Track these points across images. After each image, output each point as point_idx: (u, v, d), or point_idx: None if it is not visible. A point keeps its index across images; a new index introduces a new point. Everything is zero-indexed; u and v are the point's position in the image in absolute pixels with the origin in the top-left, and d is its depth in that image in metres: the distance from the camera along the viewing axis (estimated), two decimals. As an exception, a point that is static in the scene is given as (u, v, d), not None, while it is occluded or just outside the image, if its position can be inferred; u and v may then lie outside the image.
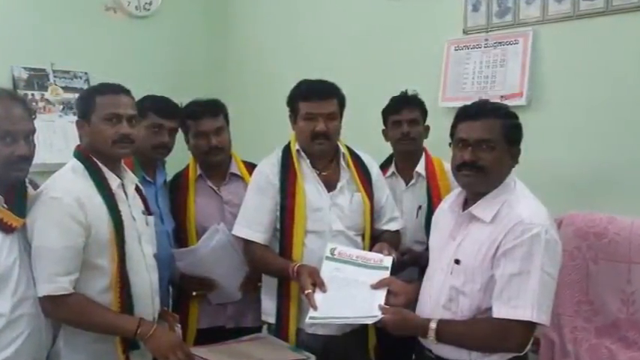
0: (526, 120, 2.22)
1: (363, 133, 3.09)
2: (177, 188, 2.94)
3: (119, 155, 2.31)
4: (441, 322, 2.09)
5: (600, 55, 2.86)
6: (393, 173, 3.06)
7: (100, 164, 2.27)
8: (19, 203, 2.13)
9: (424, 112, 3.04)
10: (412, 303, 2.28)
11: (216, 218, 2.86)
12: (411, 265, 2.80)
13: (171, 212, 2.90)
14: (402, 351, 2.54)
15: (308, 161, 2.64)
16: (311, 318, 2.30)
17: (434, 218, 2.43)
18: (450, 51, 3.38)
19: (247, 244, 2.65)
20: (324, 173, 2.64)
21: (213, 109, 2.93)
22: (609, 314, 2.59)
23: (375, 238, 2.68)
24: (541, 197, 2.15)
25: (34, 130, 2.16)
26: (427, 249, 2.42)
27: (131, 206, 2.34)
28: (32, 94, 3.71)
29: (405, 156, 3.05)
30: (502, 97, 3.09)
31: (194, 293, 2.84)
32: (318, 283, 2.35)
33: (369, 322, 2.27)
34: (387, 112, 3.05)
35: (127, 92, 2.34)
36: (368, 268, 2.40)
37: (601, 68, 2.85)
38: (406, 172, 3.04)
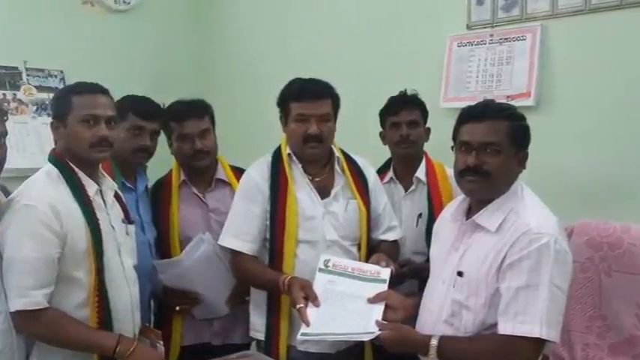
0: (534, 122, 2.22)
1: (359, 135, 3.11)
2: (160, 195, 2.95)
3: (97, 159, 2.31)
4: (443, 339, 2.09)
5: (614, 52, 2.86)
6: (392, 179, 3.07)
7: (76, 169, 2.26)
8: (-11, 211, 2.13)
9: (424, 113, 3.04)
10: (412, 318, 2.29)
11: (201, 227, 2.86)
12: (410, 277, 2.81)
13: (153, 221, 2.90)
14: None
15: (300, 166, 2.64)
16: (303, 334, 2.30)
17: (435, 227, 2.44)
18: (453, 47, 3.39)
19: (235, 255, 2.65)
20: (317, 179, 2.65)
21: (198, 110, 2.93)
22: (623, 330, 2.59)
23: (372, 249, 2.69)
24: (550, 205, 2.16)
25: (5, 133, 2.16)
26: (428, 260, 2.43)
27: (110, 214, 2.34)
28: (4, 94, 3.71)
29: (404, 160, 3.06)
30: (508, 97, 3.10)
31: (177, 308, 2.84)
32: (311, 297, 2.35)
33: (366, 338, 2.28)
34: (384, 114, 3.06)
35: (106, 92, 2.34)
36: (364, 281, 2.41)
37: (615, 66, 2.86)
38: (405, 178, 3.05)
